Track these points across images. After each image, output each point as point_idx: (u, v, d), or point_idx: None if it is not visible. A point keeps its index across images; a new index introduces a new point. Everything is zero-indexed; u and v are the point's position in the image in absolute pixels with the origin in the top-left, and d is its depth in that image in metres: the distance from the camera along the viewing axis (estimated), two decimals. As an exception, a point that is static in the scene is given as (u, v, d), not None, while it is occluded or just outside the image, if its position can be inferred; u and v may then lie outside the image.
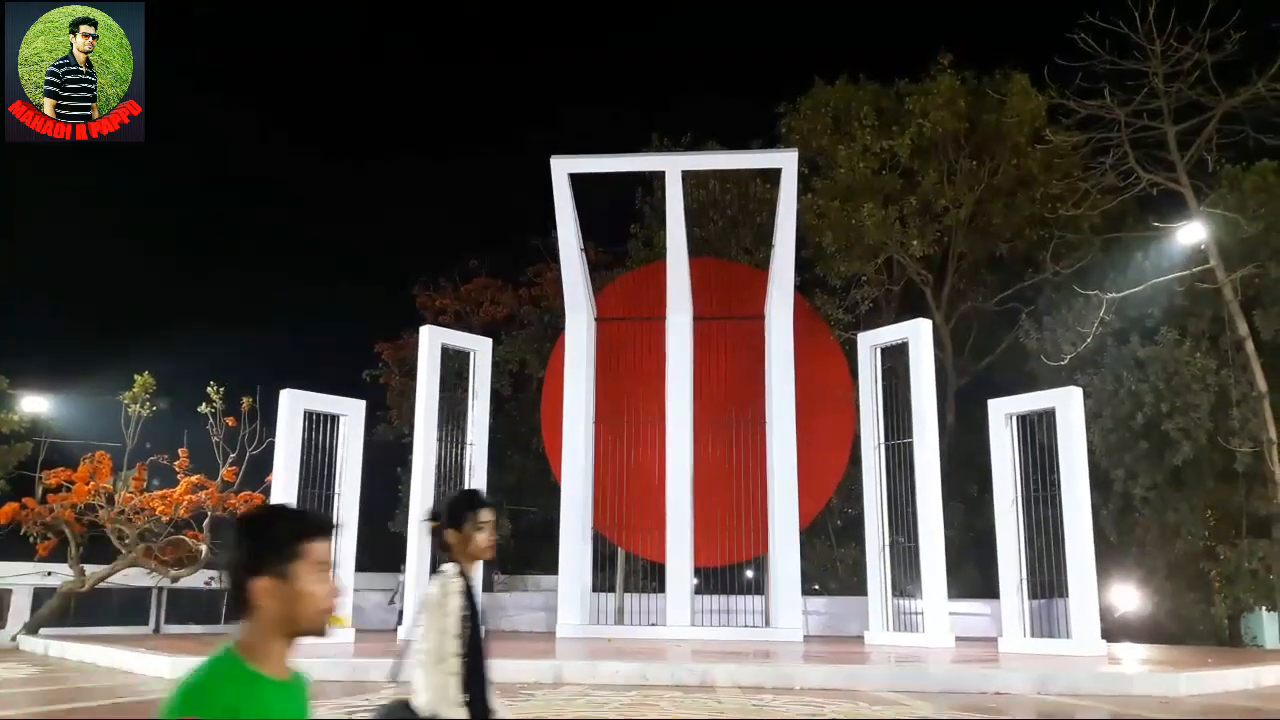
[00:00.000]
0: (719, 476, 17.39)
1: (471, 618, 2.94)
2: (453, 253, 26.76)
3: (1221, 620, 17.24)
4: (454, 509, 3.13)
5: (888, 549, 15.90)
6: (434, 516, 3.15)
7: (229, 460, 17.81)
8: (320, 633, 1.75)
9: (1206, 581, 17.44)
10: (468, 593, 2.98)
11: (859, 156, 21.33)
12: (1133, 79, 17.28)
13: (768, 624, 16.72)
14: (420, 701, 2.86)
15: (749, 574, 19.48)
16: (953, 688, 9.84)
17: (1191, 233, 17.48)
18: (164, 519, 17.43)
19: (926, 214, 21.43)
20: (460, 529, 3.06)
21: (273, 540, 1.71)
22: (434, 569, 3.10)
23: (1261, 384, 16.84)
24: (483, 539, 3.07)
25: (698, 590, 17.28)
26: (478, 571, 3.21)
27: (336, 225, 38.88)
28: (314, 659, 11.26)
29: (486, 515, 3.10)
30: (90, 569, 17.70)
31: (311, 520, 1.77)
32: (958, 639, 15.01)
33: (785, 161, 17.25)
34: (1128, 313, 18.16)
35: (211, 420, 17.72)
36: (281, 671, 1.71)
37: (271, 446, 15.85)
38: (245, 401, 17.74)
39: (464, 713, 2.83)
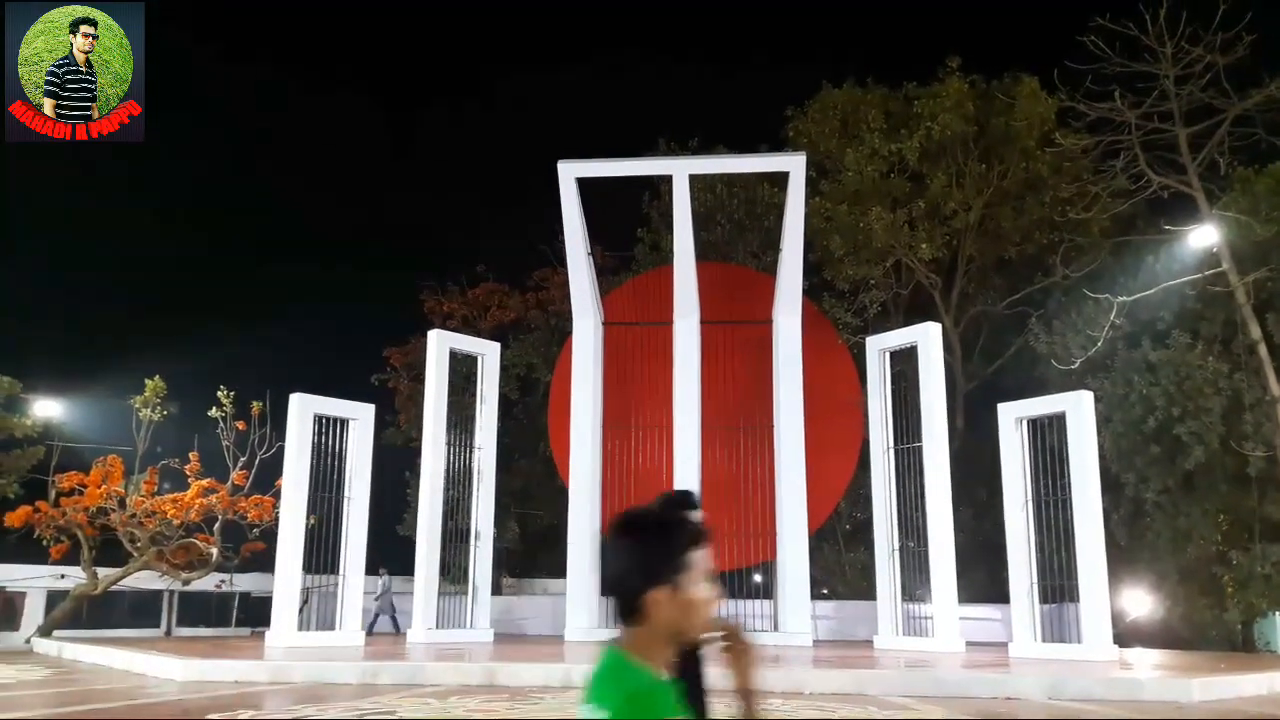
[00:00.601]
0: (727, 481, 17.37)
1: None
2: (460, 257, 26.85)
3: (1234, 625, 17.14)
4: (666, 508, 3.09)
5: (897, 553, 15.85)
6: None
7: (239, 464, 17.89)
8: (702, 642, 1.76)
9: (1219, 586, 17.35)
10: None
11: (867, 160, 21.32)
12: (1143, 81, 17.23)
13: (776, 628, 16.67)
14: None
15: (757, 578, 19.46)
16: (963, 693, 9.80)
17: (1203, 236, 17.40)
18: (175, 522, 17.52)
19: (935, 217, 21.40)
20: None
21: (667, 550, 1.71)
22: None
23: (1274, 388, 16.74)
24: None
25: (706, 594, 17.23)
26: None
27: (344, 230, 39.02)
28: (325, 662, 11.30)
29: (697, 517, 3.06)
30: (102, 572, 17.80)
31: (696, 528, 1.77)
32: (968, 644, 14.95)
33: (793, 165, 17.23)
34: (1139, 316, 18.08)
35: (222, 424, 17.80)
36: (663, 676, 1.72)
37: (281, 450, 15.91)
38: (255, 406, 17.81)
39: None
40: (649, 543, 1.72)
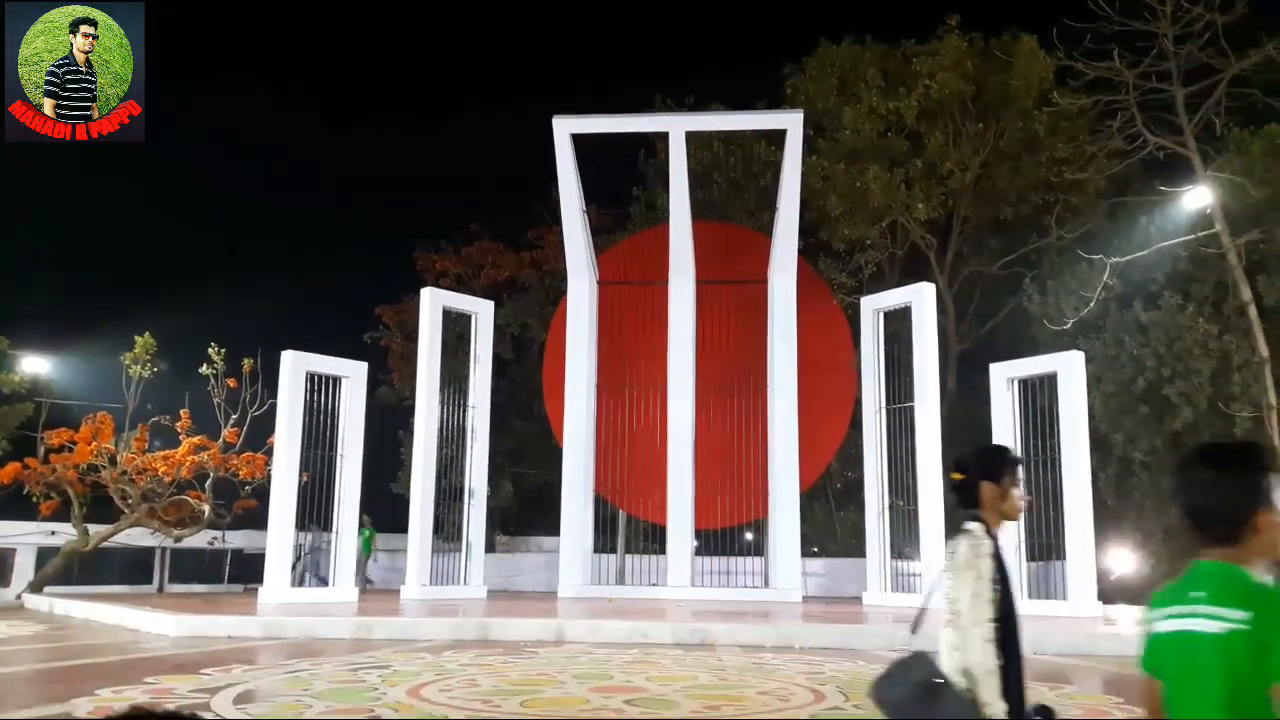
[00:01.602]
0: (720, 440, 17.44)
1: (1003, 581, 2.74)
2: (454, 216, 26.63)
3: (1216, 584, 17.36)
4: (992, 461, 2.93)
5: (887, 512, 15.98)
6: (960, 468, 2.93)
7: (231, 421, 17.85)
8: None
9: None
10: (998, 554, 2.77)
11: (865, 118, 21.14)
12: (1142, 41, 17.05)
13: (767, 585, 16.86)
14: (949, 663, 2.70)
15: (749, 536, 19.63)
16: (951, 648, 9.92)
17: (1197, 197, 17.33)
18: (166, 479, 17.51)
19: (931, 177, 21.29)
20: (998, 483, 2.85)
21: (1266, 476, 1.88)
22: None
23: (1263, 349, 16.78)
24: (1019, 496, 2.89)
25: (698, 552, 17.40)
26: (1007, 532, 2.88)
27: (337, 187, 38.64)
28: (318, 618, 11.38)
29: (1020, 472, 2.93)
30: (93, 529, 17.81)
31: (1273, 458, 1.94)
32: (956, 601, 15.12)
33: (790, 123, 17.09)
34: (1131, 277, 18.08)
35: (213, 381, 17.73)
36: None
37: (273, 408, 15.87)
38: (246, 363, 17.73)
39: (997, 680, 2.64)
40: (1253, 471, 1.89)
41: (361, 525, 18.80)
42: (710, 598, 16.19)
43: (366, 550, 19.42)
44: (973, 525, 2.80)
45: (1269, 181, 17.13)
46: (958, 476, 2.91)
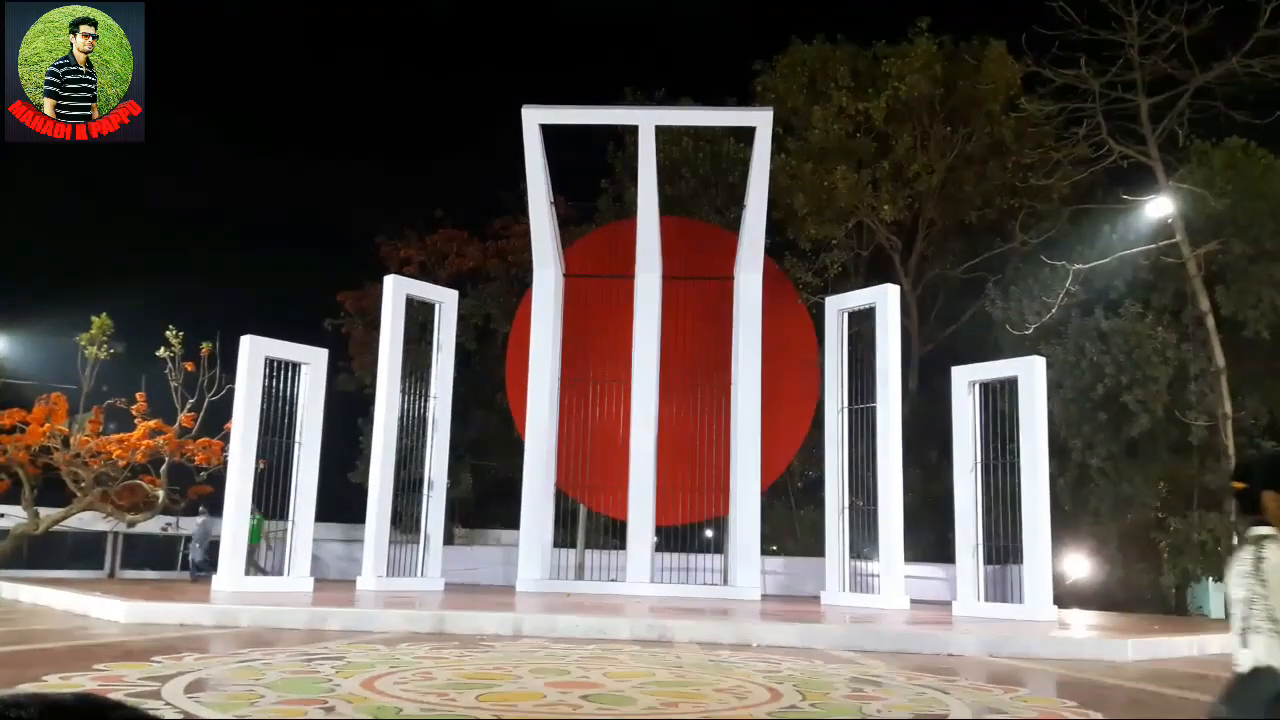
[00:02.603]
0: (683, 436, 17.42)
1: None
2: (419, 203, 26.38)
3: (1169, 589, 17.69)
4: (1277, 470, 2.89)
5: (847, 512, 16.06)
6: (1243, 476, 2.91)
7: (187, 406, 17.53)
8: None
9: (1156, 552, 17.88)
10: None
11: (833, 118, 21.24)
12: (1109, 50, 17.29)
13: (726, 582, 16.88)
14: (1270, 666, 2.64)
15: (709, 533, 19.66)
16: (906, 648, 9.99)
17: (1159, 207, 17.62)
18: (120, 463, 17.17)
19: (898, 179, 21.44)
20: None
21: None
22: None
23: (1219, 359, 17.12)
24: None
25: (658, 548, 17.39)
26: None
27: (301, 172, 38.08)
28: (271, 607, 11.21)
29: None
30: (44, 511, 17.43)
31: None
32: (912, 601, 15.25)
33: (760, 120, 17.09)
34: (1093, 284, 18.34)
35: (170, 365, 17.41)
36: None
37: (231, 393, 15.61)
38: (205, 347, 17.42)
39: None
40: None
41: (250, 513, 17.75)
42: (669, 594, 16.19)
43: (254, 539, 18.50)
44: (1267, 530, 2.80)
45: (1229, 194, 17.44)
46: (1239, 485, 2.91)
